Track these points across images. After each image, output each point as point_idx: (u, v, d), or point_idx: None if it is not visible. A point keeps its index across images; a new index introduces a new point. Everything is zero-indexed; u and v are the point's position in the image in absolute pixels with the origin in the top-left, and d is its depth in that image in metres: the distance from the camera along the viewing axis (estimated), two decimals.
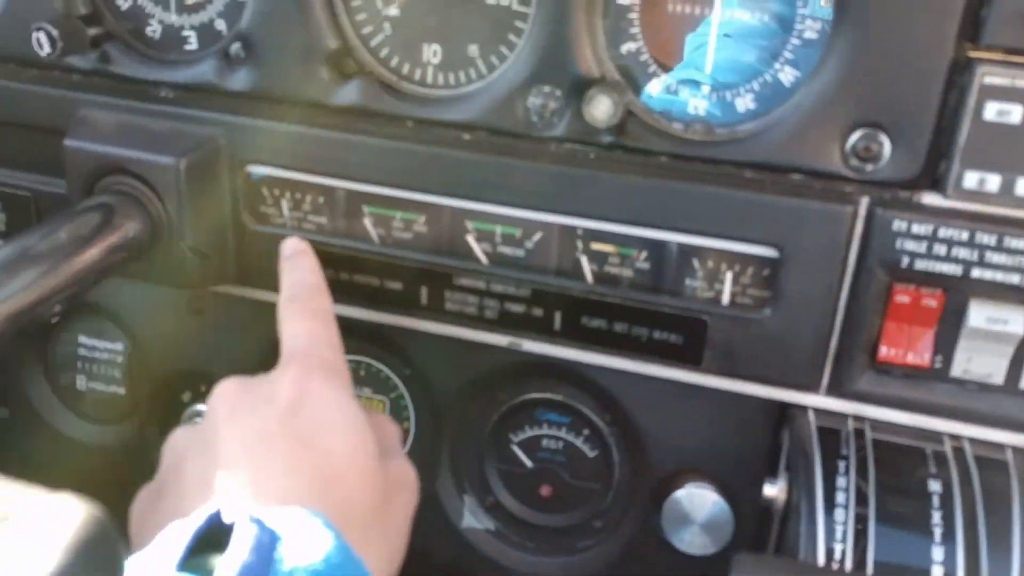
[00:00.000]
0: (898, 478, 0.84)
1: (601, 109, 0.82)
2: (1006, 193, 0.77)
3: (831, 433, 0.88)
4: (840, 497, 0.83)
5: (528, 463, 1.10)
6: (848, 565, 0.79)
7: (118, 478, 1.25)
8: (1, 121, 1.02)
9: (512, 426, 1.09)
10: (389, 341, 1.07)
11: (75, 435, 1.24)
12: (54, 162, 0.99)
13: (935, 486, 0.83)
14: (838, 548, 0.80)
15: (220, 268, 1.01)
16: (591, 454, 1.08)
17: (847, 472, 0.84)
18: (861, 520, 0.81)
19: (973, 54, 0.75)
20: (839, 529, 0.81)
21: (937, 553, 0.79)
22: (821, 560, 0.80)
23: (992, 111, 0.75)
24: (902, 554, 0.79)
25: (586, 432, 1.07)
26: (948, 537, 0.79)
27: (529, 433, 1.09)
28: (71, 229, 0.87)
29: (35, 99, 1.00)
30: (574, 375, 1.01)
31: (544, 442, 1.09)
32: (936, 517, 0.81)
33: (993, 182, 0.77)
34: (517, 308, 0.95)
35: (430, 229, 0.95)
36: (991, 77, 0.74)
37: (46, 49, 0.92)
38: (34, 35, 0.92)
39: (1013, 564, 0.78)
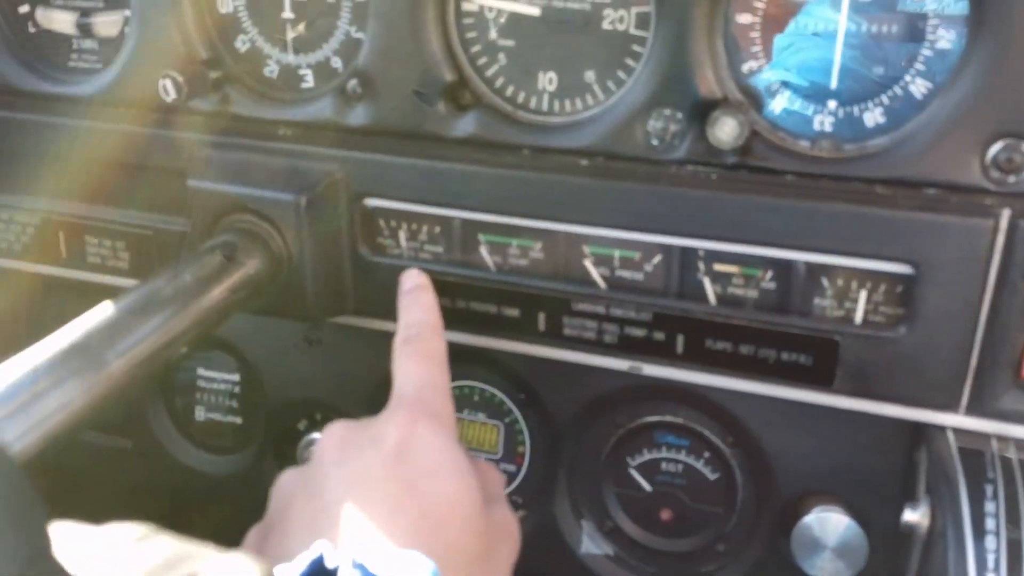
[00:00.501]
0: None
1: (726, 131, 0.81)
2: None
3: (974, 454, 0.85)
4: (990, 523, 0.79)
5: (647, 486, 1.08)
6: None
7: (236, 507, 1.28)
8: (127, 164, 1.06)
9: (630, 449, 1.08)
10: (503, 366, 1.08)
11: (194, 464, 1.27)
12: (176, 201, 1.02)
13: None
14: None
15: (338, 299, 1.02)
16: (712, 476, 1.06)
17: (995, 496, 0.81)
18: (1014, 548, 0.78)
19: None
20: (991, 557, 0.78)
21: None
22: None
23: None
24: None
25: (706, 454, 1.05)
26: None
27: (648, 456, 1.08)
28: (196, 270, 0.90)
29: (160, 142, 1.03)
30: (694, 397, 1.00)
31: (663, 465, 1.08)
32: None
33: None
34: (638, 332, 0.94)
35: (547, 255, 0.95)
36: None
37: (172, 95, 0.95)
38: (160, 82, 0.95)
39: None
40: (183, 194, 1.00)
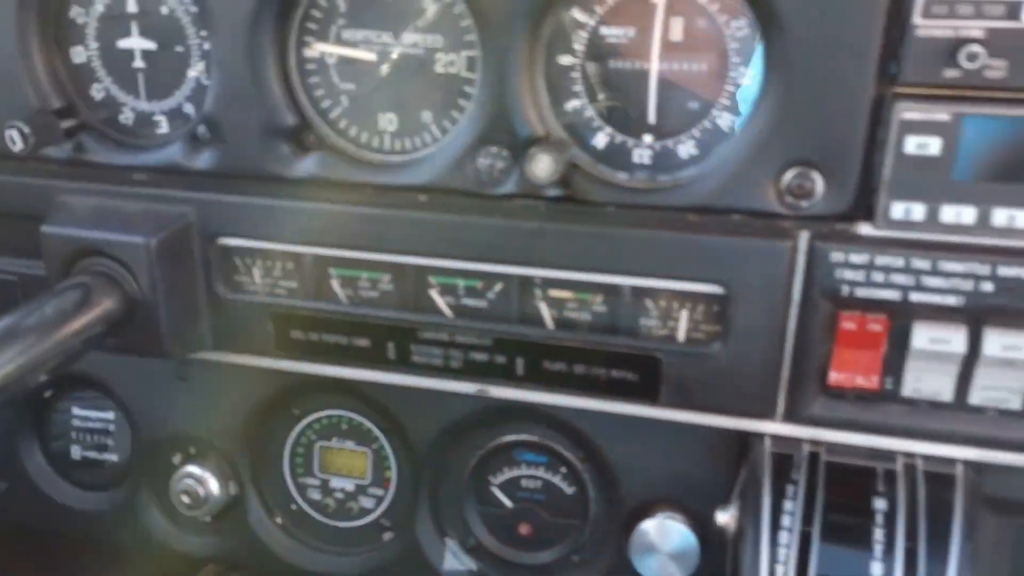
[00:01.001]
0: (845, 498, 0.88)
1: (541, 167, 0.87)
2: (932, 221, 0.81)
3: (784, 458, 0.92)
4: (786, 520, 0.86)
5: (508, 503, 1.13)
6: None
7: (114, 542, 1.29)
8: None
9: (491, 469, 1.13)
10: (366, 396, 1.11)
11: (71, 503, 1.27)
12: (38, 247, 1.04)
13: (880, 504, 0.87)
14: (780, 570, 0.83)
15: (195, 336, 1.05)
16: (569, 491, 1.11)
17: (795, 496, 0.88)
18: (805, 541, 0.85)
19: (891, 91, 0.80)
20: (782, 552, 0.84)
21: (876, 568, 0.82)
22: None
23: (912, 144, 0.79)
24: (842, 572, 0.82)
25: (563, 470, 1.11)
26: (888, 553, 0.83)
27: (508, 474, 1.13)
28: (52, 307, 0.92)
29: (14, 189, 1.05)
30: (544, 416, 1.05)
31: (523, 482, 1.13)
32: (878, 534, 0.84)
33: (918, 211, 0.81)
34: (481, 356, 0.99)
35: (396, 287, 0.99)
36: (909, 112, 0.78)
37: (19, 145, 0.97)
38: (6, 132, 0.97)
39: (950, 571, 0.81)
40: None
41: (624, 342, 0.95)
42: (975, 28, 0.74)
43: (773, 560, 0.86)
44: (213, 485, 1.21)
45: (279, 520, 1.23)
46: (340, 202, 0.97)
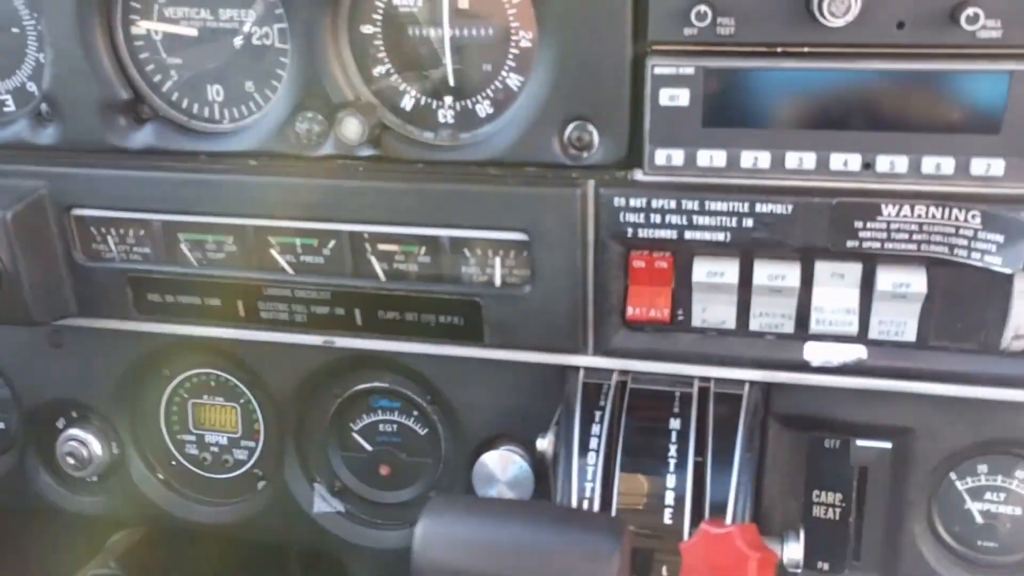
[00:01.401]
0: (645, 421, 0.97)
1: (351, 129, 0.94)
2: (691, 165, 0.90)
3: (594, 387, 1.01)
4: (593, 443, 0.95)
5: (368, 447, 1.21)
6: (597, 501, 0.92)
7: (6, 504, 1.36)
8: None
9: (350, 415, 1.21)
10: (227, 353, 1.19)
11: None
12: None
13: (675, 424, 0.96)
14: (588, 487, 0.93)
15: (59, 303, 1.12)
16: (422, 432, 1.20)
17: (601, 420, 0.97)
18: (609, 460, 0.94)
19: (644, 50, 0.88)
20: (590, 471, 0.94)
21: (670, 480, 0.92)
22: (574, 500, 0.92)
23: (665, 96, 0.87)
24: (642, 487, 0.92)
25: (415, 413, 1.19)
26: (680, 466, 0.92)
27: (367, 420, 1.21)
28: None
29: None
30: (392, 363, 1.13)
31: (381, 427, 1.21)
32: (672, 450, 0.94)
33: (678, 157, 0.89)
34: (322, 310, 1.07)
35: (240, 247, 1.07)
36: (659, 68, 0.87)
37: None
38: None
39: (731, 482, 0.91)
40: None
41: (448, 289, 1.03)
42: None
43: (583, 479, 0.95)
44: (96, 447, 1.28)
45: (160, 476, 1.31)
46: (177, 170, 1.04)
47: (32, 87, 1.08)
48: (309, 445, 1.23)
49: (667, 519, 0.91)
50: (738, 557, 0.81)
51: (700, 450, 0.94)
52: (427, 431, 1.19)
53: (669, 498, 0.91)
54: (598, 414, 0.98)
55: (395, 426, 1.21)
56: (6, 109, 1.10)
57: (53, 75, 1.03)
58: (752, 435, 0.96)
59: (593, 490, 0.93)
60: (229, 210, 1.05)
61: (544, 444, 1.01)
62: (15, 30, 1.06)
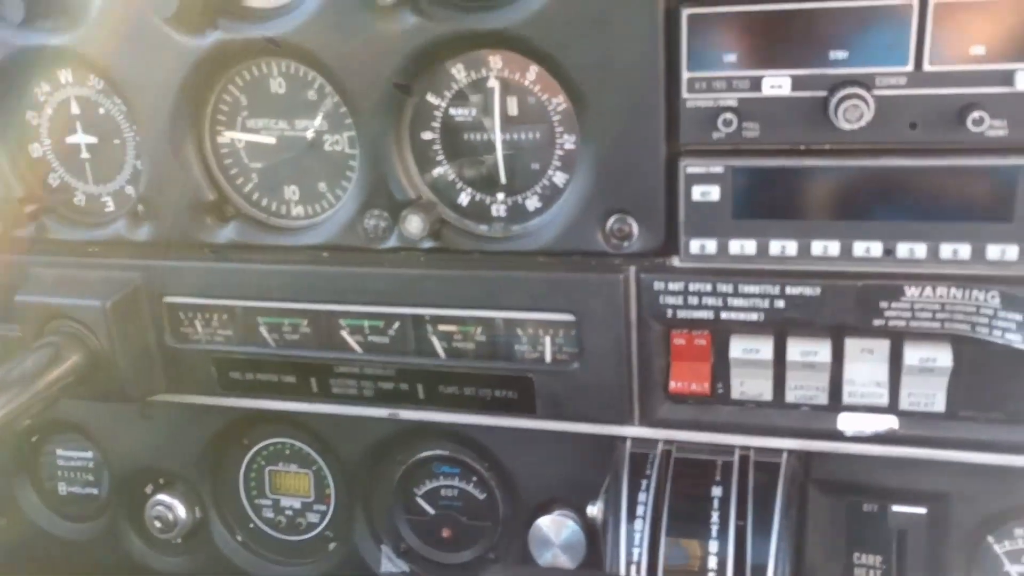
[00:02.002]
0: (689, 488, 1.04)
1: (414, 225, 1.05)
2: (723, 253, 0.97)
3: (641, 457, 1.08)
4: (640, 510, 1.03)
5: (431, 511, 1.30)
6: (644, 567, 0.99)
7: (98, 566, 1.47)
8: None
9: (415, 481, 1.30)
10: (301, 424, 1.29)
11: (60, 533, 1.46)
12: (11, 311, 1.23)
13: (717, 491, 1.03)
14: (635, 552, 1.00)
15: (151, 382, 1.23)
16: (480, 496, 1.28)
17: (647, 488, 1.04)
18: (656, 527, 1.01)
19: (677, 151, 0.97)
20: (637, 536, 1.01)
21: (712, 546, 0.98)
22: (622, 565, 0.99)
23: (697, 193, 0.96)
24: (686, 551, 0.99)
25: (474, 479, 1.27)
26: (723, 531, 0.99)
27: (429, 486, 1.30)
28: (31, 362, 1.12)
29: None
30: (453, 433, 1.22)
31: (443, 491, 1.30)
32: (714, 517, 1.00)
33: (711, 246, 0.97)
34: (388, 385, 1.17)
35: (313, 330, 1.17)
36: (691, 167, 0.95)
37: None
38: None
39: (771, 546, 0.97)
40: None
41: (503, 366, 1.12)
42: (730, 99, 0.91)
43: (631, 544, 1.02)
44: (180, 511, 1.39)
45: (239, 538, 1.41)
46: (259, 261, 1.16)
47: (130, 190, 1.21)
48: (376, 509, 1.32)
49: None
50: None
51: (741, 516, 1.01)
52: (485, 496, 1.27)
53: (712, 562, 0.97)
54: (644, 482, 1.05)
55: (456, 491, 1.29)
56: (107, 209, 1.24)
57: (148, 180, 1.16)
58: (790, 501, 1.02)
59: (640, 555, 1.00)
60: (304, 297, 1.15)
61: (595, 511, 1.08)
62: (116, 141, 1.19)
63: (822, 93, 0.88)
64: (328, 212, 1.15)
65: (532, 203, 1.08)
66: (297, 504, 1.37)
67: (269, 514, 1.39)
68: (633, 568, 0.99)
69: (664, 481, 1.05)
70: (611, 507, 1.04)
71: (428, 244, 1.09)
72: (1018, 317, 0.92)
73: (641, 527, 1.01)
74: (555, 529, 1.18)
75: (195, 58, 1.08)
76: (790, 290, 0.98)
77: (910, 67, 0.86)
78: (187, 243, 1.17)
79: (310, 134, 1.12)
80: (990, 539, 1.10)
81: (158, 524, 1.39)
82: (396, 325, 1.14)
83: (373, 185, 1.09)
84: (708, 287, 1.01)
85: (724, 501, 1.02)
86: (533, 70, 1.01)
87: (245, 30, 1.07)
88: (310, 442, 1.33)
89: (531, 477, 1.21)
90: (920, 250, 0.92)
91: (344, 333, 1.16)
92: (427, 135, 1.08)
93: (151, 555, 1.44)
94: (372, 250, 1.11)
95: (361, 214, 1.10)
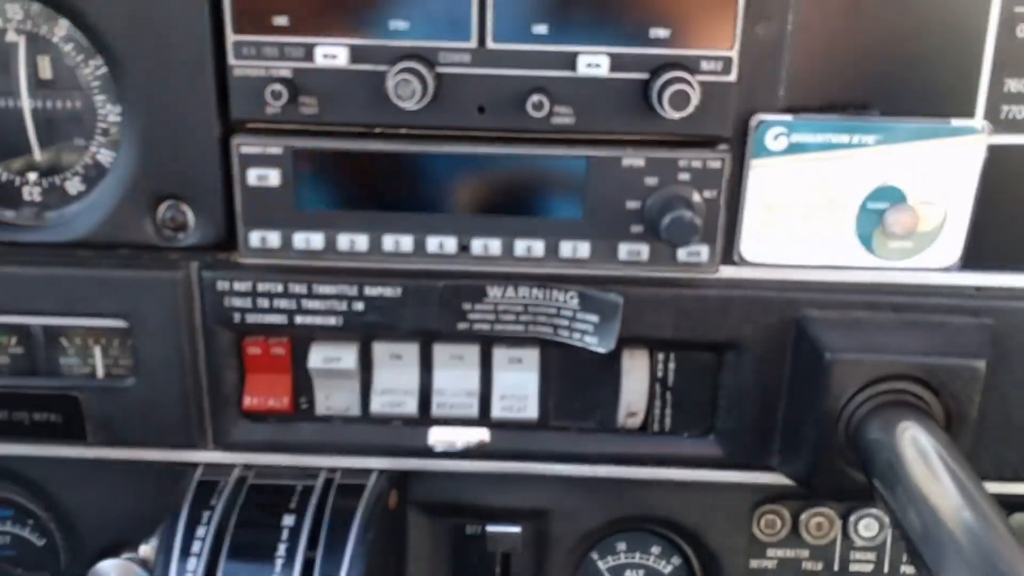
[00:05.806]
0: (257, 518, 0.90)
1: None
2: (287, 247, 0.85)
3: (208, 485, 0.93)
4: (196, 547, 0.87)
5: None
6: None
7: None
8: None
9: None
10: None
11: None
12: None
13: (289, 520, 0.90)
14: None
15: None
16: (39, 543, 1.06)
17: (209, 521, 0.89)
18: (212, 565, 0.86)
19: (230, 128, 0.84)
20: None
21: None
22: None
23: (253, 176, 0.83)
24: None
25: (30, 522, 1.06)
26: (287, 565, 0.86)
27: None
28: None
29: None
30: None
31: None
32: (281, 549, 0.87)
33: (273, 239, 0.85)
34: None
35: None
36: (246, 147, 0.83)
37: None
38: None
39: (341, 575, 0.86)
40: None
41: (43, 383, 0.93)
42: (283, 68, 0.80)
43: None
44: None
45: None
46: None
47: None
48: None
49: None
50: None
51: (312, 546, 0.89)
52: (45, 542, 1.06)
53: None
54: (206, 515, 0.90)
55: (8, 538, 1.07)
56: None
57: None
58: (368, 526, 0.91)
59: None
60: None
61: (148, 549, 0.91)
62: None
63: (383, 67, 0.79)
64: None
65: (74, 185, 0.90)
66: None
67: None
68: None
69: (231, 512, 0.91)
70: (163, 544, 0.88)
71: None
72: (595, 319, 0.88)
73: (195, 565, 0.86)
74: (120, 575, 1.00)
75: None
76: (369, 291, 0.88)
77: (473, 43, 0.79)
78: None
79: None
80: (594, 555, 1.06)
81: None
82: None
83: None
84: (279, 287, 0.89)
85: (295, 531, 0.89)
86: (64, 24, 0.84)
87: None
88: None
89: (93, 516, 1.02)
90: (495, 246, 0.85)
91: None
92: None
93: None
94: None
95: None
